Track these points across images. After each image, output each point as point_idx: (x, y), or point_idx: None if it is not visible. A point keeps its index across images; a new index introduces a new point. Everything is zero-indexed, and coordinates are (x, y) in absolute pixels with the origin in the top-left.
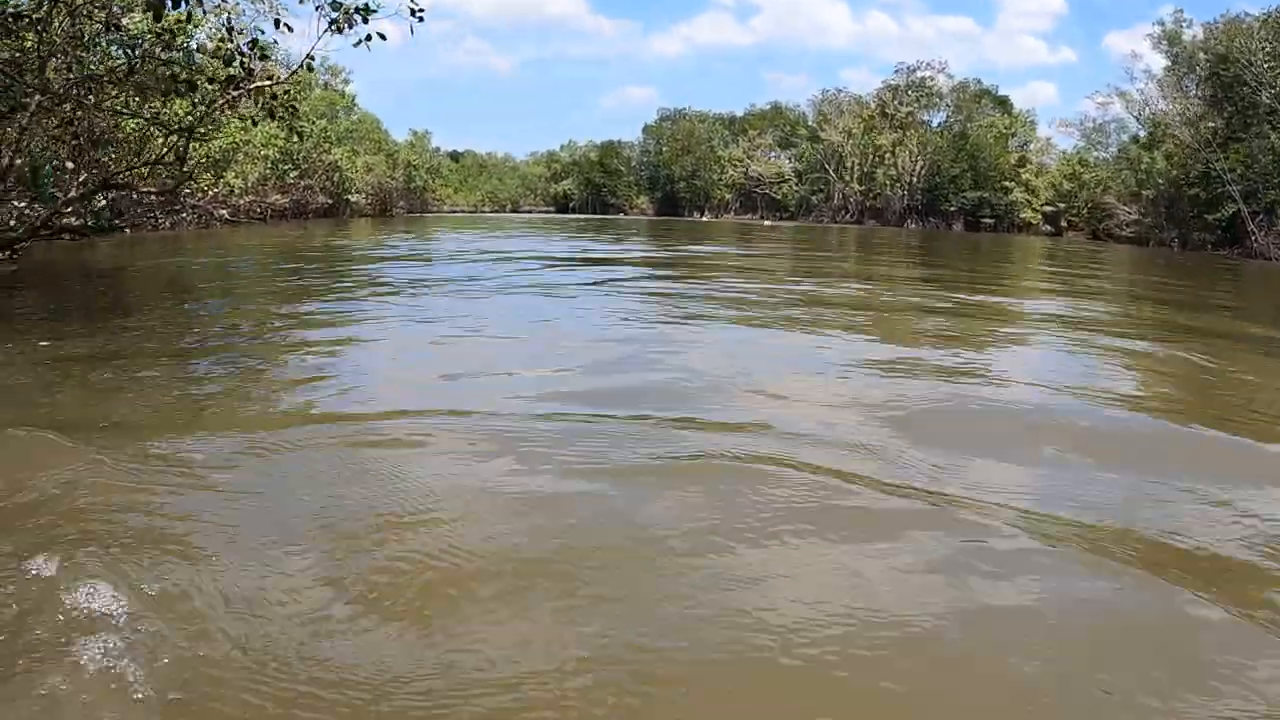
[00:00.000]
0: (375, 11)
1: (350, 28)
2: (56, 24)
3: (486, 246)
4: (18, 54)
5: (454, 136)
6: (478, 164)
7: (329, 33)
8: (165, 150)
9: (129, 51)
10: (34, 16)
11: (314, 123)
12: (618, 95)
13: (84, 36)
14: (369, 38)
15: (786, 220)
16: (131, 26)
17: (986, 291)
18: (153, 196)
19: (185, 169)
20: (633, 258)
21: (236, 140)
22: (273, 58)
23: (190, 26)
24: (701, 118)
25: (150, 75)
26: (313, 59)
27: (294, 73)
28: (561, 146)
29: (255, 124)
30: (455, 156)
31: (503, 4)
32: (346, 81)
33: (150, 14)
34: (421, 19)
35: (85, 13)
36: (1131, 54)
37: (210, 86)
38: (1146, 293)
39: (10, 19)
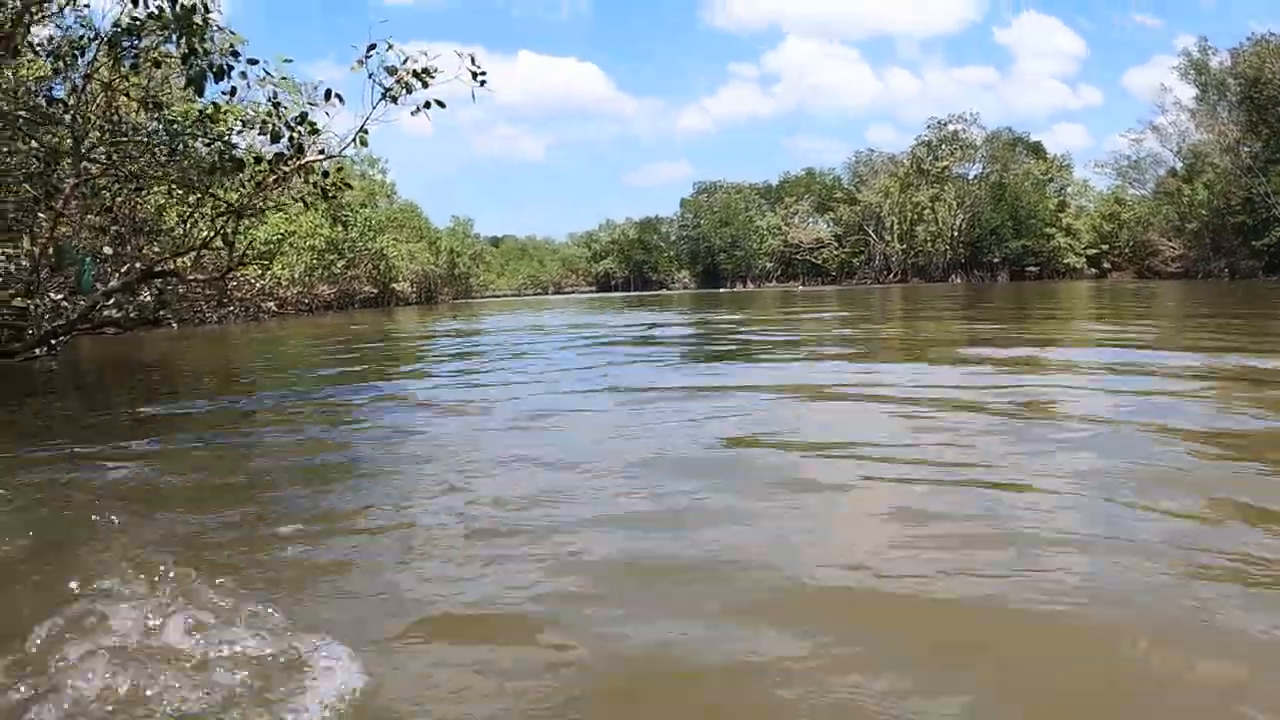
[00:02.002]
0: (434, 76)
1: (409, 93)
2: (93, 105)
3: (572, 323)
4: (53, 138)
5: (491, 221)
6: (518, 248)
7: (384, 101)
8: (212, 234)
9: (170, 130)
10: (68, 101)
11: (356, 211)
12: (649, 171)
13: (121, 119)
14: (428, 105)
15: (829, 284)
16: (173, 105)
17: (1090, 342)
18: (200, 287)
19: (234, 255)
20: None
21: (283, 230)
22: (323, 133)
23: (233, 103)
24: (737, 188)
25: (192, 159)
26: (366, 131)
27: (348, 144)
28: (600, 226)
29: (306, 205)
30: (495, 241)
31: (530, 90)
32: (384, 171)
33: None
34: (484, 82)
35: (122, 90)
36: (1160, 86)
37: (257, 166)
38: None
39: (46, 102)
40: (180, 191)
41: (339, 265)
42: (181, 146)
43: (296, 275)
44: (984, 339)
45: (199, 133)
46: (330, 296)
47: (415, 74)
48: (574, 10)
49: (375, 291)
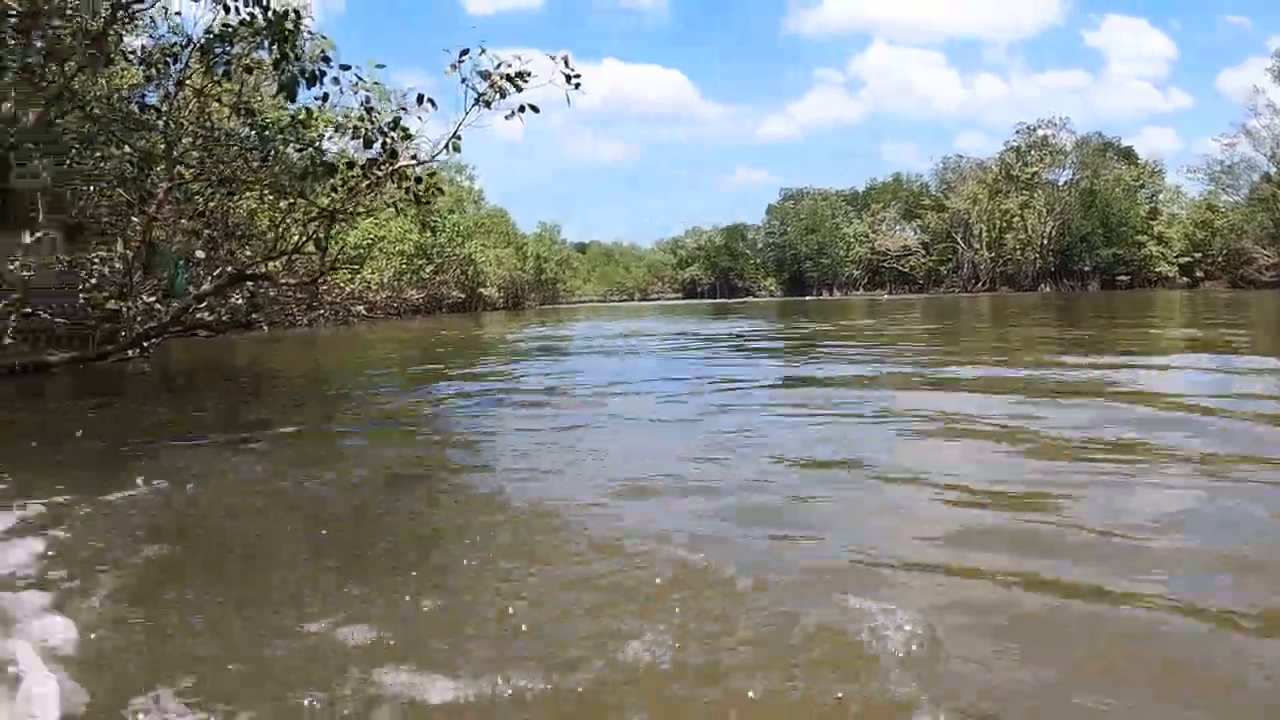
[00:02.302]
0: (528, 80)
1: (502, 97)
2: (185, 111)
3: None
4: (146, 143)
5: (576, 227)
6: (604, 254)
7: (476, 106)
8: (304, 239)
9: (262, 136)
10: (161, 108)
11: (445, 217)
12: (732, 178)
13: (213, 125)
14: (522, 109)
15: (915, 293)
16: (264, 112)
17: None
18: (292, 291)
19: (326, 259)
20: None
21: (373, 235)
22: (417, 138)
23: (325, 109)
24: (824, 195)
25: (284, 164)
26: (459, 137)
27: (441, 149)
28: (686, 232)
29: (398, 211)
30: (581, 247)
31: (614, 97)
32: (471, 177)
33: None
34: (578, 85)
35: (214, 96)
36: (1253, 88)
37: (350, 171)
38: None
39: (139, 109)
40: (272, 196)
41: (427, 270)
42: (273, 152)
43: (385, 280)
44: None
45: (290, 138)
46: (418, 301)
47: (509, 78)
48: (656, 18)
49: (462, 296)
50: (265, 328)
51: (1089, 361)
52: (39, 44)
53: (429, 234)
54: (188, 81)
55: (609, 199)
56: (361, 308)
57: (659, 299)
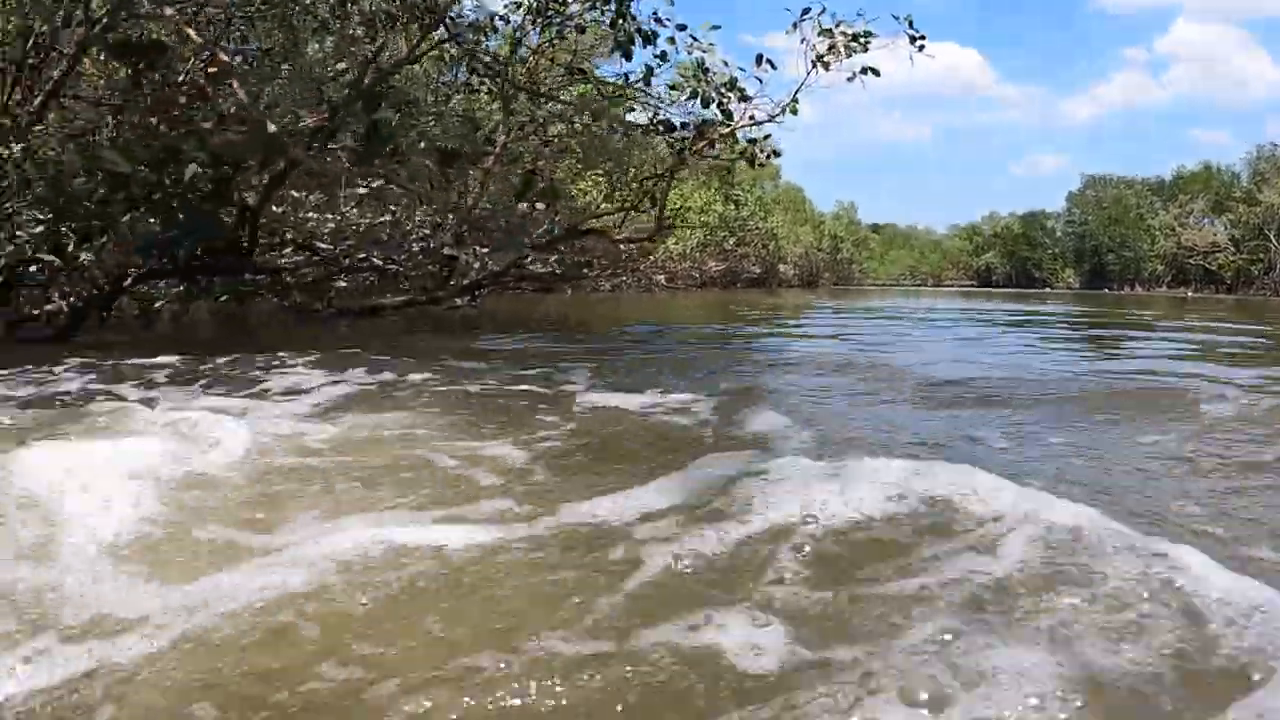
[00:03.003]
0: (871, 39)
1: (848, 56)
2: (520, 71)
3: None
4: (478, 103)
5: (868, 208)
6: (900, 236)
7: (814, 69)
8: (639, 197)
9: (602, 93)
10: (494, 68)
11: (748, 190)
12: (1031, 162)
13: (539, 89)
14: (864, 71)
15: (1223, 292)
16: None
17: None
18: (627, 248)
19: (662, 217)
20: None
21: (679, 204)
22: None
23: (663, 67)
24: (1128, 183)
25: (616, 122)
26: (797, 101)
27: (780, 112)
28: (982, 218)
29: (732, 171)
30: (875, 228)
31: (909, 76)
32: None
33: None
34: (922, 47)
35: (549, 56)
36: None
37: (683, 131)
38: None
39: (469, 70)
40: (602, 157)
41: (730, 242)
42: (607, 112)
43: (687, 250)
44: None
45: (622, 98)
46: (716, 273)
47: (854, 37)
48: None
49: (758, 272)
50: (569, 290)
51: None
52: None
53: (732, 206)
54: (523, 42)
55: (899, 180)
56: (662, 276)
57: (952, 286)
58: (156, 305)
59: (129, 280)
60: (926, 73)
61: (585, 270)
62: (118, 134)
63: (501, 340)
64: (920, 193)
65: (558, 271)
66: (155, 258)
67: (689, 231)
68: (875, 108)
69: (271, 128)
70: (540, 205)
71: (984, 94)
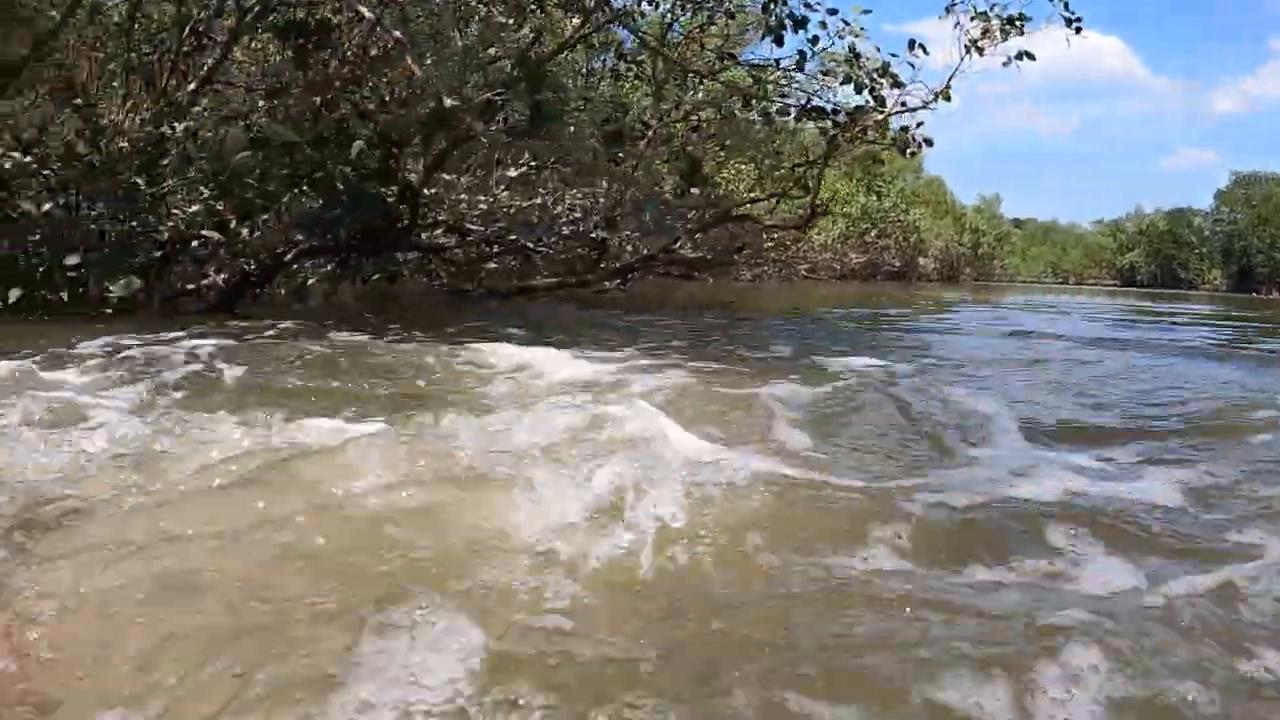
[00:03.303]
0: (1027, 22)
1: (1004, 39)
2: (671, 55)
3: None
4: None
5: (1010, 202)
6: (1042, 231)
7: (968, 54)
8: (790, 184)
9: (753, 77)
10: (637, 59)
11: (890, 182)
12: (1177, 157)
13: (686, 74)
14: (1019, 56)
15: None
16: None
17: None
18: (777, 234)
19: (815, 203)
20: None
21: (825, 194)
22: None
23: (814, 53)
24: (1279, 181)
25: (766, 109)
26: (950, 88)
27: (935, 98)
28: (1126, 215)
29: (880, 162)
30: (1017, 223)
31: (1055, 65)
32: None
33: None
34: (1079, 29)
35: (699, 40)
36: None
37: (834, 116)
38: None
39: (616, 56)
40: (748, 144)
41: (872, 234)
42: (758, 97)
43: (829, 240)
44: None
45: (770, 83)
46: (856, 265)
47: (1009, 21)
48: None
49: (898, 265)
50: (710, 278)
51: None
52: None
53: (874, 197)
54: (673, 26)
55: (1045, 174)
56: (803, 267)
57: (1095, 284)
58: (308, 283)
59: (290, 257)
60: (1069, 63)
61: (735, 256)
62: (272, 117)
63: (695, 319)
64: (1062, 188)
65: (708, 257)
66: (318, 235)
67: (831, 222)
68: (1017, 99)
69: (448, 102)
70: (694, 189)
71: (1129, 84)
